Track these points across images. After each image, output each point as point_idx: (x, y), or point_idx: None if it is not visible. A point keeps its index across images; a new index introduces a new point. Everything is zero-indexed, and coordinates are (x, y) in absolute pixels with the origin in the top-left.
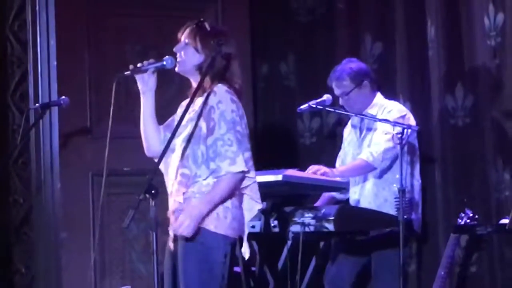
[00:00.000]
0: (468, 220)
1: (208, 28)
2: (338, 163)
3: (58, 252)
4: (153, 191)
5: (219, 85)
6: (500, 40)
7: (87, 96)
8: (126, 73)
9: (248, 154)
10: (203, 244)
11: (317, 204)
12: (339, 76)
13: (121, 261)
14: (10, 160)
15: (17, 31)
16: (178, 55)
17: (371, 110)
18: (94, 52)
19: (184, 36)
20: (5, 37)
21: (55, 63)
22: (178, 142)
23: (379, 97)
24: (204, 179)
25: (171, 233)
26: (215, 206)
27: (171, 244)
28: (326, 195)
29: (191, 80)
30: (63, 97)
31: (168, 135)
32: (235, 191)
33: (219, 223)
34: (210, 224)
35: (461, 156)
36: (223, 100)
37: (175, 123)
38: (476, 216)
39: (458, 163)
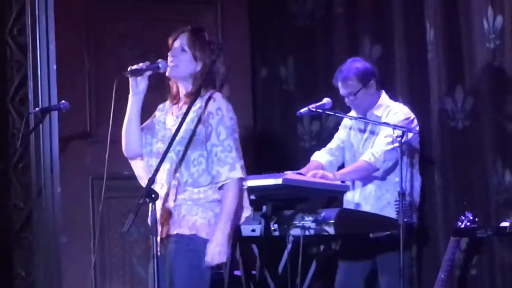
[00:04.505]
0: (468, 223)
1: (207, 38)
2: (326, 147)
3: (58, 256)
4: (153, 195)
5: (217, 92)
6: (499, 43)
7: (86, 100)
8: (125, 73)
9: (242, 162)
10: (195, 251)
11: (302, 170)
12: (345, 76)
13: (121, 265)
14: (10, 164)
15: (17, 35)
16: (171, 59)
17: (376, 111)
18: (94, 56)
19: (180, 42)
20: (5, 41)
21: (55, 67)
22: (162, 146)
23: (384, 97)
24: (197, 187)
25: (157, 238)
26: (230, 217)
27: (158, 249)
28: (313, 162)
29: (180, 85)
30: (63, 101)
31: (149, 138)
32: (241, 196)
33: (210, 230)
34: (202, 232)
35: (461, 159)
36: (222, 107)
37: (156, 126)
38: (476, 219)
39: (458, 166)
